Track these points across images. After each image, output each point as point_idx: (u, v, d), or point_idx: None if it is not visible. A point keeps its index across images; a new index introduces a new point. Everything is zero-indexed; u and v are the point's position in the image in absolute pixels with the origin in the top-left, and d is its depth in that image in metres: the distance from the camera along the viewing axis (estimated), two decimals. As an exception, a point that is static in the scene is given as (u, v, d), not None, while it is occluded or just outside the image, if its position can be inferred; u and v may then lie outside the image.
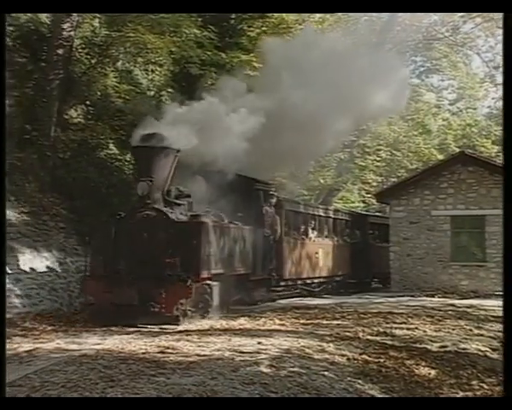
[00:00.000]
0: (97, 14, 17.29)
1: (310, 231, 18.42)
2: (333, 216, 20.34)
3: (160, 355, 7.91)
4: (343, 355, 8.61)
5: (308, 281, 18.11)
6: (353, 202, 34.49)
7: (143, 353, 8.08)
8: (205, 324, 11.03)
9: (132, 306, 10.68)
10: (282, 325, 11.23)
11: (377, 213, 27.81)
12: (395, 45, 29.19)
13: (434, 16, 30.41)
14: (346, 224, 21.09)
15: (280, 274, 15.93)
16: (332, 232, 19.87)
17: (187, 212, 12.19)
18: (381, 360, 8.55)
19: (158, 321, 10.63)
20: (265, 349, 8.50)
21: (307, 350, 8.68)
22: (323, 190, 30.96)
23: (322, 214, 19.55)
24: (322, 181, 29.70)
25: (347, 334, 10.22)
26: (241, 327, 10.73)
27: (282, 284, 16.37)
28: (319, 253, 18.49)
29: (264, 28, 19.51)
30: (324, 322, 11.76)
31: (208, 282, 11.58)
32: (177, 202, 12.14)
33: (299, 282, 17.62)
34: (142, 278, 10.89)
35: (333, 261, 19.38)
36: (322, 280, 18.91)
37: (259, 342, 8.91)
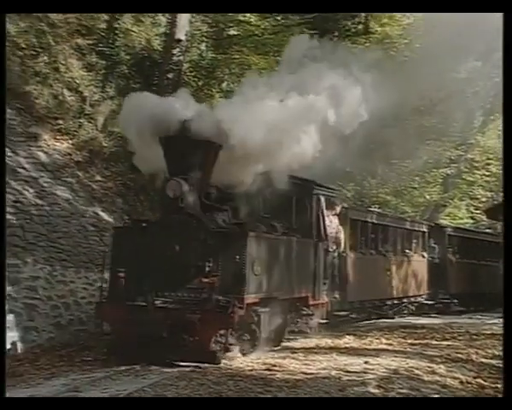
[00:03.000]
0: (204, 38, 17.94)
1: (380, 244, 16.01)
2: (408, 227, 17.82)
3: (266, 373, 7.96)
4: (455, 378, 8.31)
5: (378, 303, 15.84)
6: (461, 219, 33.28)
7: (250, 370, 8.16)
8: (309, 341, 10.96)
9: (160, 338, 8.44)
10: (389, 344, 11.03)
11: (458, 226, 25.95)
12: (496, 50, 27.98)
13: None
14: (422, 237, 18.58)
15: (344, 296, 13.37)
16: (406, 246, 17.43)
17: (230, 219, 9.68)
18: (499, 386, 8.14)
19: (191, 358, 8.46)
20: (373, 369, 8.37)
21: (416, 371, 8.46)
22: (429, 206, 30.15)
23: (395, 225, 16.93)
24: (427, 197, 28.94)
25: (459, 356, 9.88)
26: (347, 346, 10.63)
27: (347, 307, 13.91)
28: (391, 270, 16.28)
29: (367, 44, 19.41)
30: (433, 342, 11.44)
31: (255, 308, 9.25)
32: (219, 206, 9.70)
33: (368, 304, 15.35)
34: (172, 302, 8.84)
35: (408, 280, 17.11)
36: (395, 302, 16.67)
37: (366, 362, 8.79)
